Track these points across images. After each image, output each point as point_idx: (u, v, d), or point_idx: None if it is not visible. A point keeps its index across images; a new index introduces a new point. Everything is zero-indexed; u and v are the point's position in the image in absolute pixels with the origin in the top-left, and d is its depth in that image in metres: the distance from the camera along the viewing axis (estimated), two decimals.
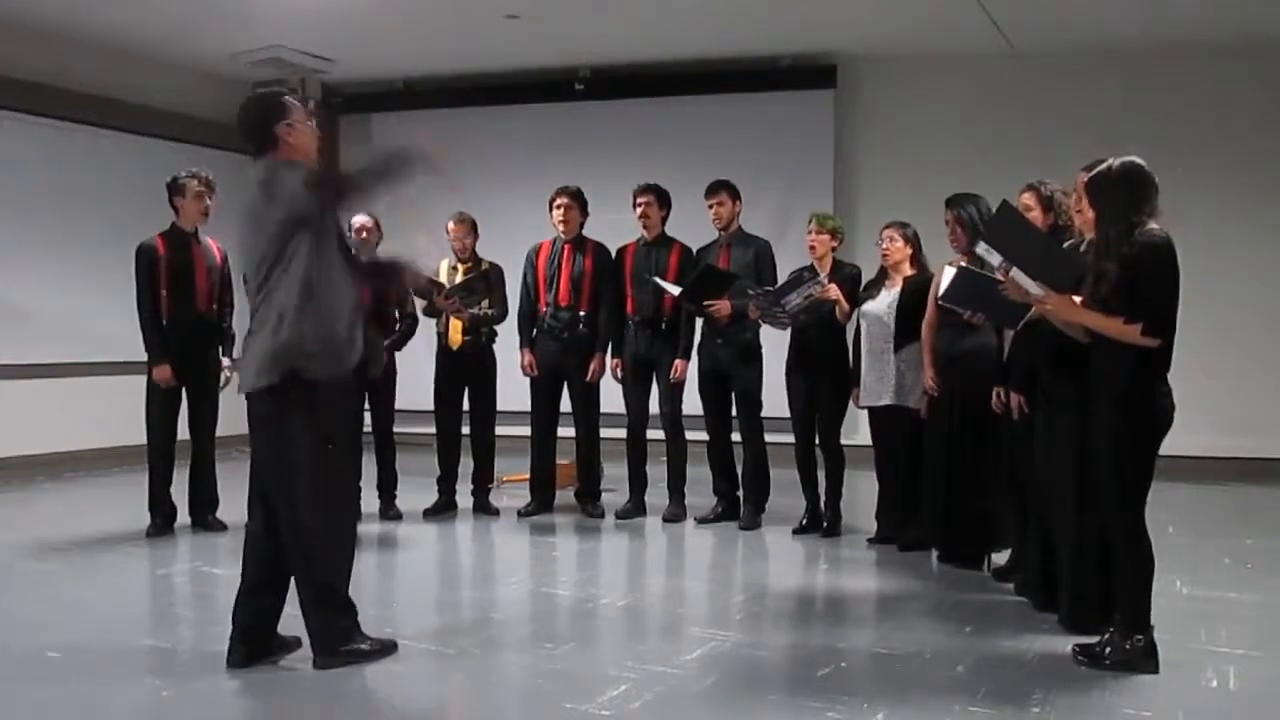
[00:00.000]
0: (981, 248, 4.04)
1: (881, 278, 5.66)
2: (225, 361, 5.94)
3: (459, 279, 6.26)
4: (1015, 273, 3.85)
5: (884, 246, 5.60)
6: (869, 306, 5.61)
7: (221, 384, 5.94)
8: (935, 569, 5.20)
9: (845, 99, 8.98)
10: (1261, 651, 3.95)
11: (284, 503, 3.61)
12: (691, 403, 6.29)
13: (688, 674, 3.69)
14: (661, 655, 3.89)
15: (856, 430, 6.13)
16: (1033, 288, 3.81)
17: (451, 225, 6.41)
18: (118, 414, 7.29)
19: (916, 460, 5.33)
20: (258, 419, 3.65)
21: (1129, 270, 3.56)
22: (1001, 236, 3.98)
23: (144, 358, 5.84)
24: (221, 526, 5.89)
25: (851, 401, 5.81)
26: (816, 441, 5.94)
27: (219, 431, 6.00)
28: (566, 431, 6.51)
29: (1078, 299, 3.71)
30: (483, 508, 6.51)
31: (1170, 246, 3.57)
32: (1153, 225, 3.59)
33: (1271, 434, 8.08)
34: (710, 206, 6.16)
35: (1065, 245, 4.26)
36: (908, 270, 5.54)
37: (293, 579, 3.68)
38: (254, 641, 3.69)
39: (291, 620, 3.76)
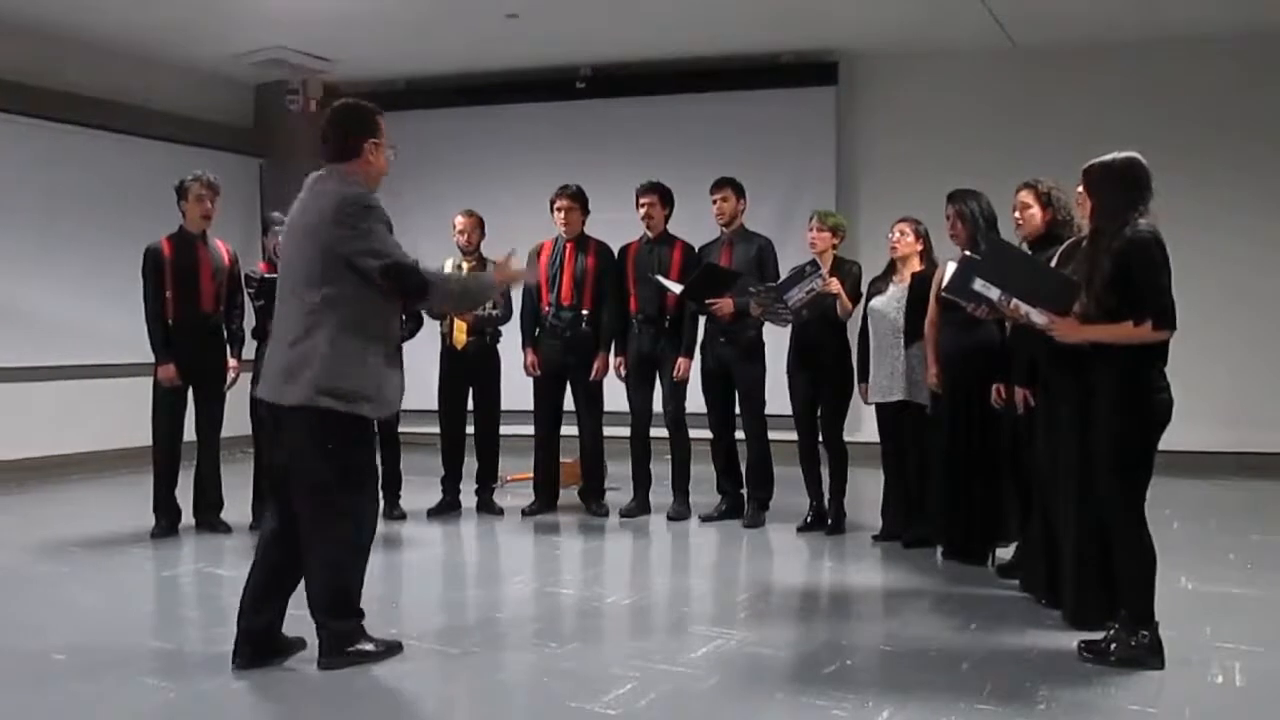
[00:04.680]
0: (978, 284, 4.03)
1: (889, 272, 5.65)
2: (232, 362, 5.96)
3: None
4: (1016, 303, 3.88)
5: (894, 240, 5.60)
6: (876, 302, 5.60)
7: (228, 384, 5.95)
8: (940, 565, 5.20)
9: (847, 96, 8.97)
10: (1267, 647, 3.94)
11: (310, 511, 3.63)
12: (695, 401, 6.29)
13: (693, 672, 3.69)
14: (666, 654, 3.89)
15: (860, 427, 6.12)
16: (1036, 315, 3.82)
17: (460, 219, 6.40)
18: (122, 416, 7.32)
19: (923, 457, 5.33)
20: (296, 433, 3.61)
21: (1120, 266, 3.60)
22: (996, 271, 3.99)
23: (148, 360, 5.86)
24: (226, 528, 5.89)
25: (860, 397, 5.80)
26: (820, 439, 5.94)
27: (224, 433, 6.01)
28: (570, 430, 6.51)
29: (1076, 307, 3.72)
30: (487, 507, 6.51)
31: (1160, 241, 3.61)
32: (1141, 222, 3.62)
33: (1277, 429, 8.07)
34: (714, 201, 6.16)
35: (1066, 242, 4.26)
36: (916, 265, 5.53)
37: (303, 582, 3.69)
38: (260, 642, 3.70)
39: (296, 621, 3.77)
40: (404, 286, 3.68)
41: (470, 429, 6.52)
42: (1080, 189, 3.91)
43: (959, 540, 5.18)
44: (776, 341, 6.24)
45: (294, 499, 3.65)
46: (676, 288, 5.98)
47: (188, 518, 5.94)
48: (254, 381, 3.77)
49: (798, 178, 8.74)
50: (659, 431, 6.36)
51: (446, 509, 6.48)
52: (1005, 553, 5.05)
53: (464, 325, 6.31)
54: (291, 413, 3.59)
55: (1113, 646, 3.69)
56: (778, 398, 6.18)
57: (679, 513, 6.32)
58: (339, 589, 3.69)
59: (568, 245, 6.34)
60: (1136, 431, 3.62)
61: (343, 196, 3.62)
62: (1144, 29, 7.95)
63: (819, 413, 5.90)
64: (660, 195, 6.29)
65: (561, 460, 6.63)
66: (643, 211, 6.29)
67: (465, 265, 6.36)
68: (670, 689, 3.52)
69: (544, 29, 8.21)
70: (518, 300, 6.45)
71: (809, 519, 6.00)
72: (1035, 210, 4.58)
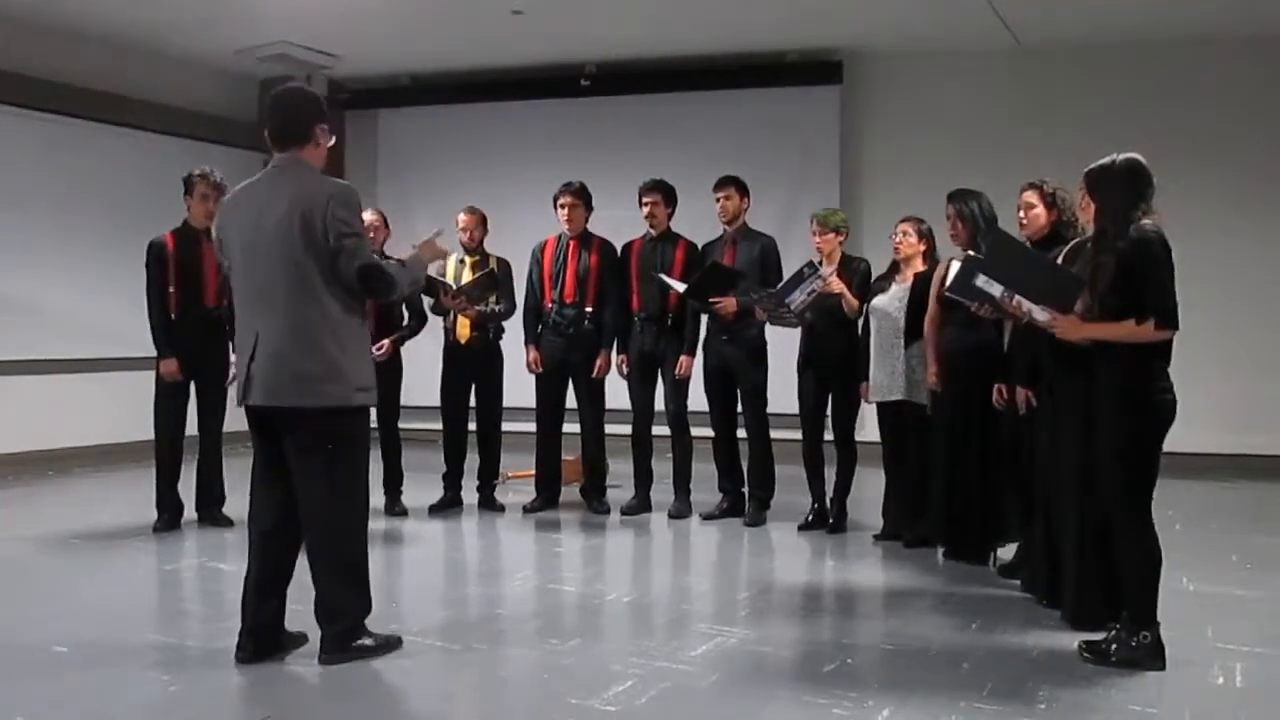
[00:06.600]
0: (980, 280, 4.03)
1: (892, 272, 5.65)
2: (234, 357, 5.95)
3: (466, 273, 6.27)
4: (1019, 300, 3.89)
5: (897, 240, 5.59)
6: (878, 301, 5.60)
7: (229, 378, 5.95)
8: (941, 565, 5.20)
9: (851, 95, 8.96)
10: (1268, 648, 3.94)
11: (338, 506, 3.66)
12: (697, 399, 6.29)
13: (693, 670, 3.70)
14: (667, 651, 3.90)
15: (862, 426, 6.13)
16: (1039, 312, 3.82)
17: (462, 216, 6.41)
18: (125, 410, 7.33)
19: (924, 456, 5.33)
20: (336, 433, 3.61)
21: (1124, 266, 3.60)
22: (1000, 267, 3.98)
23: (151, 353, 5.86)
24: (228, 522, 5.90)
25: (861, 396, 5.80)
26: (826, 438, 5.94)
27: (226, 427, 6.01)
28: (572, 428, 6.51)
29: (1079, 306, 3.72)
30: (488, 504, 6.51)
31: (1164, 240, 3.61)
32: (1146, 222, 3.62)
33: (1279, 432, 8.06)
34: (718, 200, 6.15)
35: (1071, 243, 4.26)
36: (919, 265, 5.53)
37: (311, 575, 3.70)
38: (262, 637, 3.70)
39: (297, 616, 3.78)
40: (374, 289, 3.67)
41: (472, 425, 6.53)
42: (1081, 189, 3.91)
43: (960, 540, 5.17)
44: (778, 340, 6.24)
45: (319, 497, 3.64)
46: (680, 286, 5.98)
47: (190, 512, 5.96)
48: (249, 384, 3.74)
49: (802, 176, 8.74)
50: (660, 429, 6.36)
51: (448, 505, 6.48)
52: (1006, 553, 5.05)
53: (468, 321, 6.32)
54: (321, 413, 3.58)
55: (1114, 647, 3.69)
56: (779, 396, 6.18)
57: (680, 511, 6.32)
58: (362, 580, 3.74)
59: (571, 242, 6.34)
60: (1139, 431, 3.62)
61: (341, 188, 3.67)
62: (1149, 28, 7.94)
63: (829, 411, 5.90)
64: (663, 193, 6.29)
65: (563, 457, 6.63)
66: (646, 209, 6.28)
67: (468, 261, 6.36)
68: (670, 686, 3.52)
69: (549, 26, 8.21)
70: (520, 297, 6.45)
71: (810, 518, 6.00)
72: (1040, 210, 4.58)
